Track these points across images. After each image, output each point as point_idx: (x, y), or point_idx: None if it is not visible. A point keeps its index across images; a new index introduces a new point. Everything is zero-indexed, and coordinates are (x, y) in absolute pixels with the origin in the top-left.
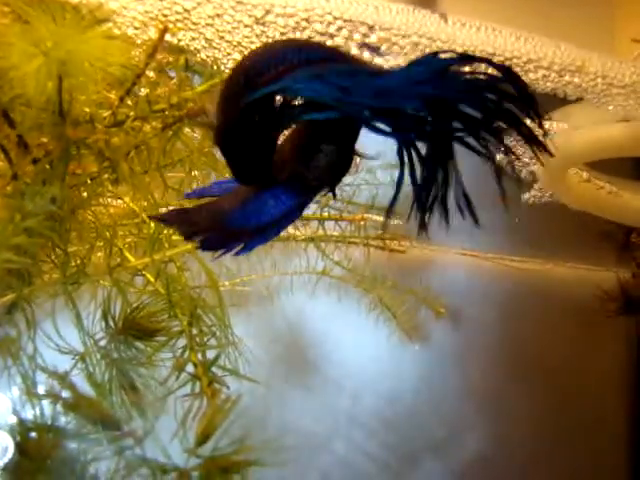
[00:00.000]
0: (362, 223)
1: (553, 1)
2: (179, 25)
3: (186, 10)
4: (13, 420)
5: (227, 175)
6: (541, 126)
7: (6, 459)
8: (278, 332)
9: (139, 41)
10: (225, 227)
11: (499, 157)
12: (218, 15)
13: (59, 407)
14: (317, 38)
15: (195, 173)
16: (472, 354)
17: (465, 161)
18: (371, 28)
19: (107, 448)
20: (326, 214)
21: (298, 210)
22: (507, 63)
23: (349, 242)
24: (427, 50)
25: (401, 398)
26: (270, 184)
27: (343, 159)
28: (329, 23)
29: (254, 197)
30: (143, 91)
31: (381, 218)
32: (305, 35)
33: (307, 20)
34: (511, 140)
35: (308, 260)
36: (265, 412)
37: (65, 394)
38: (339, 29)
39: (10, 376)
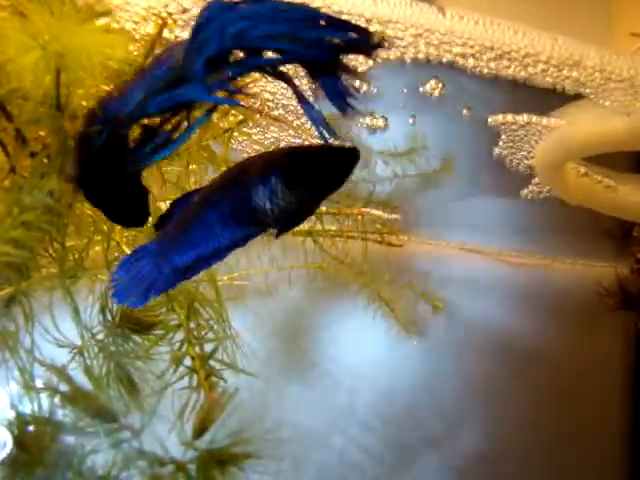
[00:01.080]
0: (360, 217)
1: None
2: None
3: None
4: (11, 415)
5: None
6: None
7: (4, 454)
8: (276, 326)
9: (138, 35)
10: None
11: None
12: None
13: (57, 400)
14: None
15: (192, 167)
16: (470, 349)
17: (466, 156)
18: (369, 21)
19: (104, 441)
20: (324, 208)
21: (243, 243)
22: (505, 57)
23: (347, 236)
24: (426, 42)
25: (399, 393)
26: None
27: (310, 208)
28: None
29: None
30: None
31: (379, 212)
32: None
33: None
34: (510, 135)
35: (306, 254)
36: (262, 406)
37: (63, 387)
38: None
39: (8, 370)
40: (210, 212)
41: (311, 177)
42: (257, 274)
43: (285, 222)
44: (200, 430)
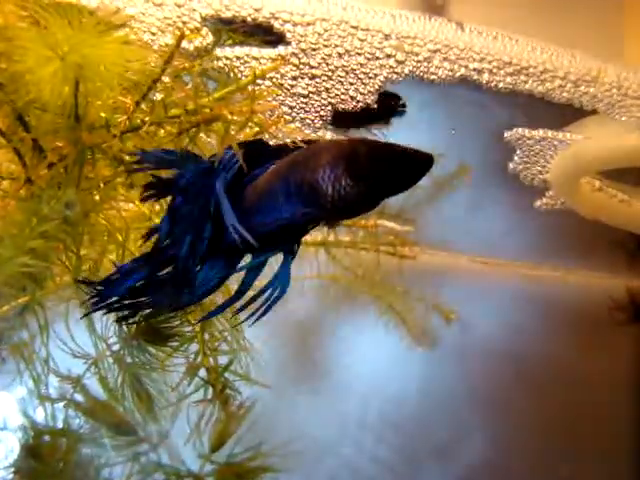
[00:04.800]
0: (373, 229)
1: (561, 8)
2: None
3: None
4: (19, 422)
5: None
6: None
7: (11, 459)
8: (288, 336)
9: (155, 47)
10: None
11: None
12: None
13: (72, 411)
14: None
15: None
16: (481, 360)
17: (481, 170)
18: (387, 36)
19: (122, 453)
20: None
21: (300, 220)
22: (523, 72)
23: (360, 248)
24: (444, 57)
25: (409, 403)
26: None
27: (369, 204)
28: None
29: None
30: (158, 96)
31: (392, 224)
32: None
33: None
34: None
35: (319, 265)
36: (274, 416)
37: (78, 398)
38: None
39: (22, 379)
40: (278, 183)
41: (378, 174)
42: None
43: (342, 210)
44: (217, 443)
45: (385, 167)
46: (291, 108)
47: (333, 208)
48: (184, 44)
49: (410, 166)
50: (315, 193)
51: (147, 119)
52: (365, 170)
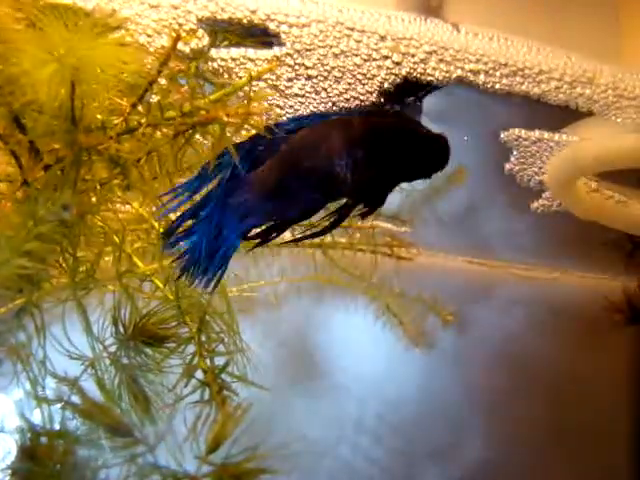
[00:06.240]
0: (370, 230)
1: (557, 9)
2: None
3: (200, 20)
4: (17, 424)
5: None
6: None
7: (8, 461)
8: (285, 338)
9: (151, 49)
10: None
11: None
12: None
13: (69, 413)
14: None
15: None
16: (478, 361)
17: (477, 171)
18: (383, 38)
19: (118, 454)
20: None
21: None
22: (519, 73)
23: (357, 249)
24: (440, 59)
25: (407, 404)
26: None
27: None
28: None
29: None
30: (155, 98)
31: (389, 225)
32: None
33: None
34: (520, 150)
35: (316, 267)
36: (271, 418)
37: (76, 400)
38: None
39: (19, 381)
40: (292, 170)
41: (395, 158)
42: (267, 286)
43: (362, 195)
44: (214, 445)
45: (404, 151)
46: (282, 108)
47: (353, 193)
48: (180, 46)
49: (430, 152)
50: (333, 179)
51: (143, 121)
52: (383, 153)
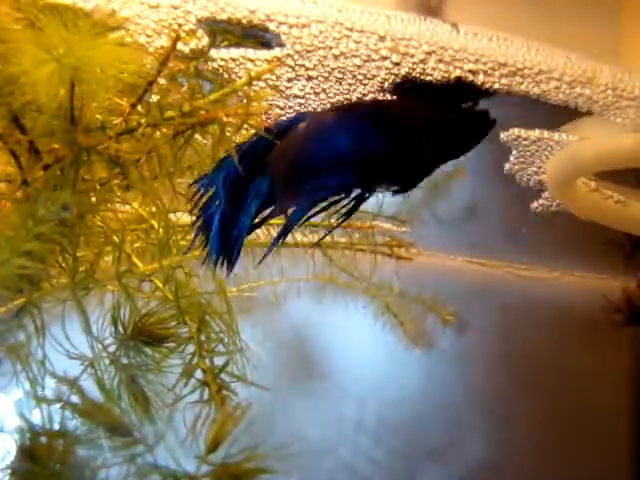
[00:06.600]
0: (370, 231)
1: (557, 9)
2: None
3: (199, 20)
4: (16, 423)
5: None
6: None
7: (7, 461)
8: (284, 338)
9: (151, 49)
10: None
11: None
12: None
13: (69, 412)
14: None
15: None
16: (478, 361)
17: (472, 170)
18: (382, 38)
19: (117, 454)
20: (334, 221)
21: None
22: (519, 73)
23: (356, 249)
24: (439, 59)
25: (407, 404)
26: None
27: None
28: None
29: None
30: (154, 98)
31: (389, 226)
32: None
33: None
34: (520, 149)
35: (315, 267)
36: (271, 418)
37: (75, 399)
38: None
39: (18, 381)
40: (320, 148)
41: (434, 135)
42: (266, 286)
43: (405, 177)
44: (214, 444)
45: (442, 128)
46: (282, 109)
47: (395, 175)
48: (180, 46)
49: (470, 126)
50: (370, 161)
51: (143, 121)
52: (420, 133)
